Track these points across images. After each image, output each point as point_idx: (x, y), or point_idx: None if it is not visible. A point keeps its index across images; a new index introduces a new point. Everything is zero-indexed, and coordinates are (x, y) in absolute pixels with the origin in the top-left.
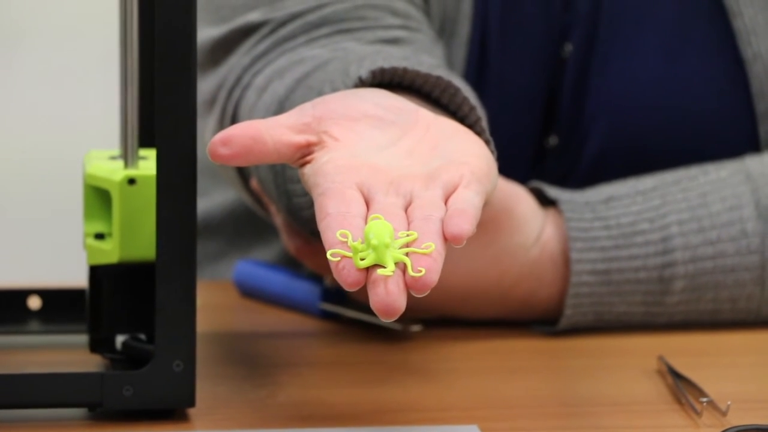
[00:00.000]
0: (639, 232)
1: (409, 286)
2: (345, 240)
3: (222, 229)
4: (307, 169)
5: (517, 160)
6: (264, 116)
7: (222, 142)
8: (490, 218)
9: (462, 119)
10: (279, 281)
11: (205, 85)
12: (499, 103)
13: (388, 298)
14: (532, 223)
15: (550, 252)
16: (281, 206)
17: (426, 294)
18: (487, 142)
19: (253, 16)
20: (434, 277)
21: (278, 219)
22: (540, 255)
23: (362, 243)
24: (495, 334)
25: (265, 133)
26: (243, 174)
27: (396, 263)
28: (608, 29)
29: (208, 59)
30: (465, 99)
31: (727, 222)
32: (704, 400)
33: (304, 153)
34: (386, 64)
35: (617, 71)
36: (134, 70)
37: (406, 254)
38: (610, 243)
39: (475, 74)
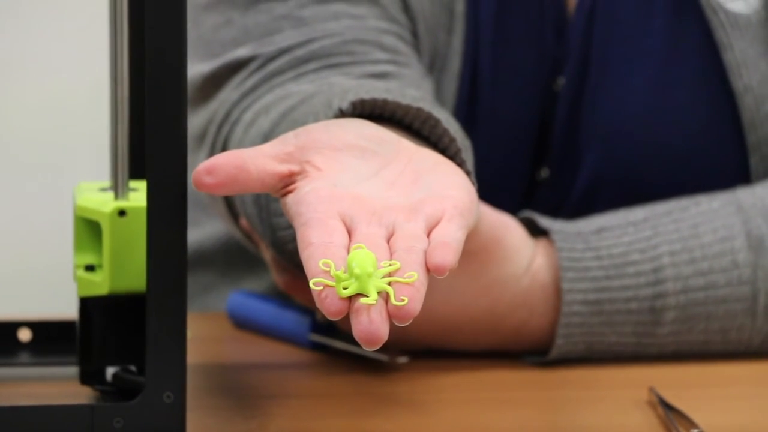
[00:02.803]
0: (630, 263)
1: (391, 315)
2: (327, 269)
3: (214, 261)
4: (290, 199)
5: (508, 193)
6: None
7: (207, 171)
8: (480, 248)
9: (443, 150)
10: (269, 313)
11: (196, 120)
12: (490, 137)
13: (371, 326)
14: (522, 253)
15: (541, 282)
16: (266, 240)
17: (408, 323)
18: (468, 174)
19: (242, 52)
20: (417, 307)
21: (267, 254)
22: (531, 284)
23: (345, 272)
24: (484, 365)
25: (249, 162)
26: (233, 212)
27: (379, 292)
28: (599, 62)
29: (199, 95)
30: (445, 130)
31: (719, 253)
32: (695, 431)
33: (287, 182)
34: (367, 96)
35: (609, 104)
36: (124, 102)
37: (389, 283)
38: (601, 273)
39: (467, 108)
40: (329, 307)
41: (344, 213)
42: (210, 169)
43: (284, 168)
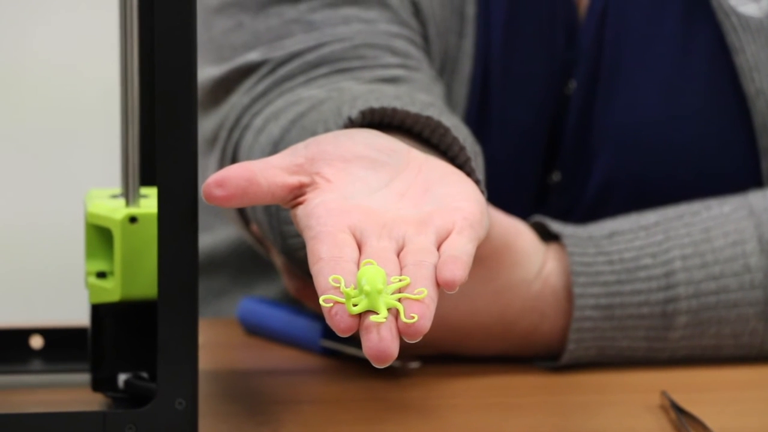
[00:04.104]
0: (642, 267)
1: (401, 332)
2: (338, 285)
3: (226, 265)
4: (300, 211)
5: (519, 197)
6: (260, 157)
7: (217, 183)
8: (490, 253)
9: (452, 159)
10: (280, 318)
11: (207, 124)
12: (501, 141)
13: (381, 344)
14: (533, 258)
15: (552, 286)
16: (277, 247)
17: (418, 340)
18: (477, 182)
19: (253, 56)
20: (427, 324)
21: (278, 260)
22: (542, 289)
23: (355, 288)
24: (495, 370)
25: (259, 174)
26: (244, 217)
27: (389, 309)
28: (611, 66)
29: (209, 99)
30: (455, 139)
31: (730, 257)
32: None
33: (297, 194)
34: (377, 104)
35: (620, 107)
36: (135, 108)
37: (399, 300)
38: (613, 278)
39: (477, 112)
40: (339, 324)
41: (354, 226)
42: (220, 182)
43: (294, 180)
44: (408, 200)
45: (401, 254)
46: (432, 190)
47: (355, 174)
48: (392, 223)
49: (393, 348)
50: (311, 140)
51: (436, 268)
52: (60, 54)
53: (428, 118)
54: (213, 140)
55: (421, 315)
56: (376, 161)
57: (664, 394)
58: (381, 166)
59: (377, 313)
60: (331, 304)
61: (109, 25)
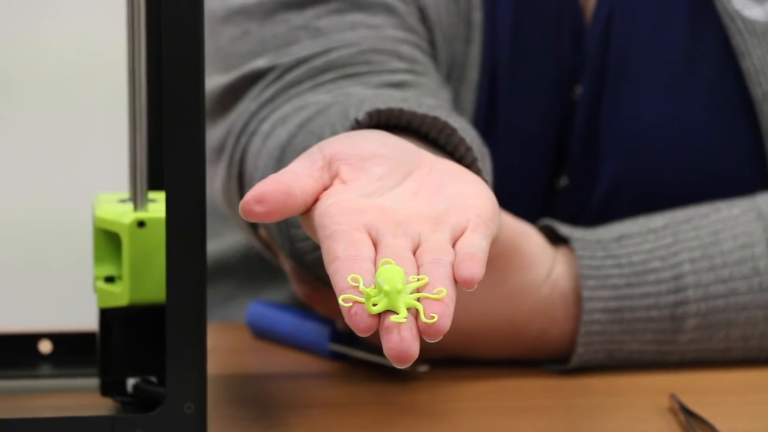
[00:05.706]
0: (651, 271)
1: (422, 332)
2: (356, 285)
3: (234, 271)
4: (313, 211)
5: (527, 201)
6: (267, 162)
7: (256, 200)
8: (499, 256)
9: (459, 160)
10: (289, 322)
11: (215, 133)
12: (509, 146)
13: (402, 344)
14: (542, 261)
15: (561, 290)
16: (285, 251)
17: (439, 339)
18: (485, 182)
19: (260, 63)
20: (447, 323)
21: (287, 265)
22: (551, 293)
23: (374, 288)
24: (504, 373)
25: (294, 187)
26: (252, 222)
27: (408, 309)
28: (617, 70)
29: (218, 107)
30: (462, 139)
31: (739, 260)
32: None
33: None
34: (383, 106)
35: (627, 112)
36: (143, 113)
37: (418, 300)
38: (621, 281)
39: (485, 118)
40: (359, 324)
41: (369, 225)
42: (259, 198)
43: (320, 185)
44: (421, 199)
45: (417, 252)
46: (444, 189)
47: (371, 172)
48: (407, 221)
49: (414, 348)
50: (324, 143)
51: (453, 266)
52: (69, 58)
53: (435, 119)
54: (220, 148)
55: (441, 314)
56: (390, 159)
57: (673, 396)
58: (396, 165)
59: (397, 313)
60: (351, 304)
61: (117, 32)
